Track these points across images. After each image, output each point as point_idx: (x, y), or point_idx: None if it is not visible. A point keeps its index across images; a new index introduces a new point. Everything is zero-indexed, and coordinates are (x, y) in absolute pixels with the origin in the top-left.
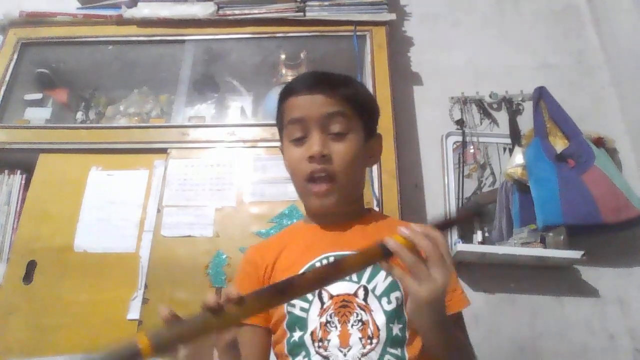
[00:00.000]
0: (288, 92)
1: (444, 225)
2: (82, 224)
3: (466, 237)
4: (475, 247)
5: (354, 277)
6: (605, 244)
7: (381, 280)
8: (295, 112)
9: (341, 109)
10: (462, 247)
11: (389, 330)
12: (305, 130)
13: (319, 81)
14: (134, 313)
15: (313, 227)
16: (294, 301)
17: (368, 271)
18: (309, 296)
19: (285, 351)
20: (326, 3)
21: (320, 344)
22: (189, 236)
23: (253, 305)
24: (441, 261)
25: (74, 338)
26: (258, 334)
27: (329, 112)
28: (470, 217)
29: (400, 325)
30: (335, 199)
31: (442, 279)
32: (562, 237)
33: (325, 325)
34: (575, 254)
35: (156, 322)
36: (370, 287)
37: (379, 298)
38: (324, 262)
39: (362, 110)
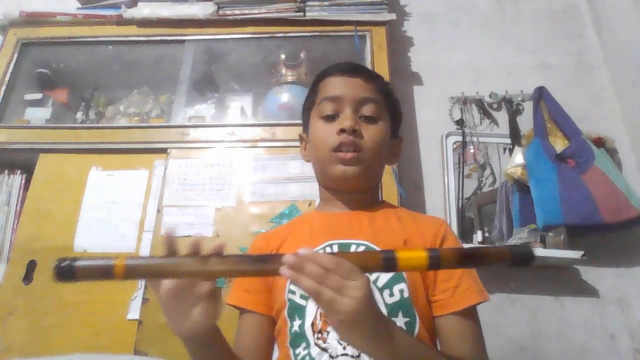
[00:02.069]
0: (327, 72)
1: (467, 258)
2: (82, 224)
3: (466, 237)
4: (475, 247)
5: None
6: (605, 244)
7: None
8: (332, 90)
9: (376, 97)
10: None
11: None
12: (338, 109)
13: (358, 68)
14: (134, 313)
15: (323, 214)
16: (295, 288)
17: None
18: None
19: (287, 343)
20: (326, 3)
21: (320, 335)
22: (189, 236)
23: (235, 266)
24: (339, 283)
25: (74, 338)
26: (259, 321)
27: (365, 96)
28: (507, 260)
29: (407, 319)
30: (359, 169)
31: (350, 299)
32: (562, 237)
33: (325, 316)
34: (575, 254)
35: (156, 322)
36: (372, 278)
37: (380, 290)
38: (327, 249)
39: (392, 107)
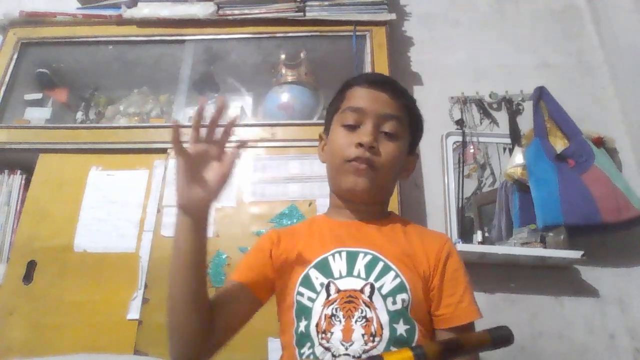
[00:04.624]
0: (355, 81)
1: (451, 350)
2: (82, 224)
3: (466, 237)
4: (475, 247)
5: (362, 273)
6: (605, 244)
7: (389, 281)
8: (358, 101)
9: (399, 114)
10: (462, 247)
11: (392, 329)
12: (360, 121)
13: (387, 82)
14: (134, 313)
15: (332, 221)
16: (303, 290)
17: (377, 269)
18: (318, 287)
19: (294, 343)
20: (326, 3)
21: (324, 335)
22: None
23: None
24: None
25: (74, 338)
26: (249, 297)
27: (388, 113)
28: (488, 345)
29: (407, 327)
30: (369, 183)
31: None
32: (562, 237)
33: (330, 318)
34: (575, 254)
35: (156, 322)
36: (377, 285)
37: (384, 297)
38: (336, 256)
39: (414, 125)
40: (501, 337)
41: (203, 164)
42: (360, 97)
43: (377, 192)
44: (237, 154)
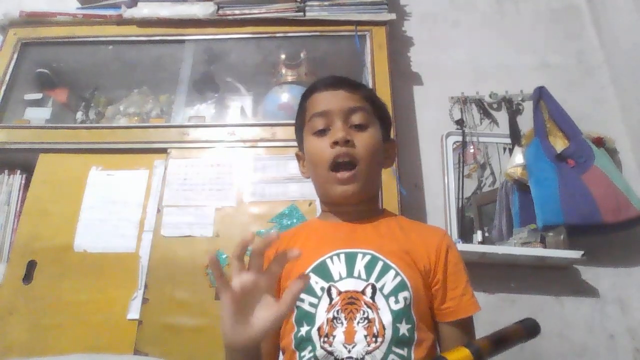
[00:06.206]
0: (311, 90)
1: (498, 342)
2: (82, 224)
3: (466, 237)
4: (475, 247)
5: (363, 274)
6: (605, 244)
7: (390, 280)
8: (319, 106)
9: (363, 105)
10: (462, 247)
11: (395, 329)
12: (328, 123)
13: (341, 80)
14: (134, 313)
15: (327, 223)
16: (303, 295)
17: (377, 269)
18: (318, 291)
19: (293, 346)
20: (326, 3)
21: (326, 339)
22: (189, 236)
23: None
24: None
25: (74, 338)
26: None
27: (351, 106)
28: (523, 336)
29: (409, 326)
30: (357, 186)
31: None
32: (562, 237)
33: (332, 321)
34: (575, 254)
35: (156, 322)
36: (378, 285)
37: (386, 297)
38: (335, 258)
39: (380, 112)
40: (532, 327)
41: (251, 299)
42: (321, 101)
43: (367, 188)
44: (298, 292)
